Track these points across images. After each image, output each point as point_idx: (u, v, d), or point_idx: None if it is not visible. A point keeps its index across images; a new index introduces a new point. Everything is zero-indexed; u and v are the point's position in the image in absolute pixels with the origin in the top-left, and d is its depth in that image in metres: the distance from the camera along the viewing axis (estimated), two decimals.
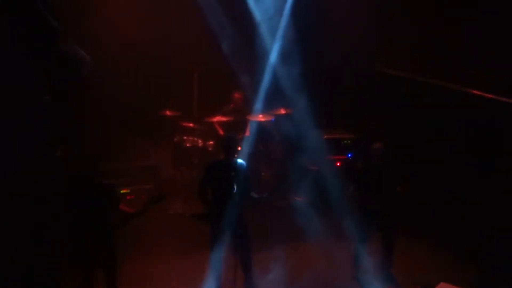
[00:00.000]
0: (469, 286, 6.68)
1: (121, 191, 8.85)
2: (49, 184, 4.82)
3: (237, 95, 10.07)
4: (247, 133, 9.88)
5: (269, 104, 9.78)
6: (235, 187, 6.63)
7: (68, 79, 4.84)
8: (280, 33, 9.57)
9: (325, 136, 9.76)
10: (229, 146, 6.81)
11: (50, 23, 4.46)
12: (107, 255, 6.12)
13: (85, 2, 9.42)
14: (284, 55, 9.30)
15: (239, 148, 9.39)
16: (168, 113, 9.97)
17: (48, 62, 4.63)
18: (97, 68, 9.17)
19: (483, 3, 8.02)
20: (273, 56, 9.30)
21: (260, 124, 9.84)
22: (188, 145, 9.95)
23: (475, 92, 8.06)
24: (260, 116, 9.71)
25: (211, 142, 9.87)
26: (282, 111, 9.66)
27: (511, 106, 7.52)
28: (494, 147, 8.14)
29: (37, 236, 4.78)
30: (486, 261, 7.47)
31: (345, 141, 9.92)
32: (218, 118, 9.84)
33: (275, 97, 9.39)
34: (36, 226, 4.74)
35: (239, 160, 6.93)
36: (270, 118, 9.76)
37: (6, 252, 4.55)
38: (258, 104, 9.78)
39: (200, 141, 9.97)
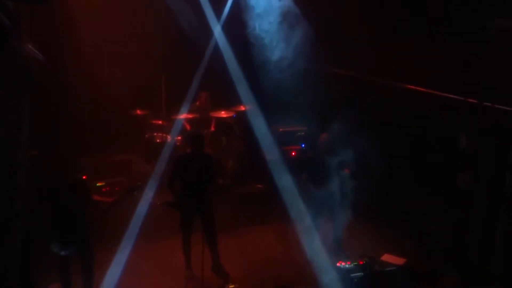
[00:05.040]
0: (407, 254, 7.34)
1: (97, 184, 9.03)
2: (15, 183, 4.58)
3: (202, 94, 10.59)
4: (212, 129, 10.55)
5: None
6: (201, 176, 7.18)
7: (19, 76, 4.59)
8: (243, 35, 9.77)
9: (281, 129, 10.26)
10: (195, 140, 7.31)
11: (1, 20, 4.32)
12: (83, 246, 6.30)
13: (53, 5, 9.19)
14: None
15: (205, 142, 10.10)
16: (138, 112, 10.55)
17: None
18: (73, 71, 9.74)
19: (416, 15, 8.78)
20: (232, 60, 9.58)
21: (222, 120, 10.54)
22: (158, 140, 10.40)
23: (411, 87, 8.62)
24: (223, 112, 10.36)
25: (179, 138, 10.25)
26: (242, 108, 10.22)
27: (441, 99, 8.15)
28: (426, 135, 8.81)
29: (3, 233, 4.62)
30: (419, 235, 8.21)
31: (299, 133, 10.40)
32: (185, 116, 10.26)
33: (236, 94, 9.67)
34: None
35: (205, 153, 7.53)
36: (232, 114, 10.41)
37: None
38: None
39: (169, 137, 10.32)
